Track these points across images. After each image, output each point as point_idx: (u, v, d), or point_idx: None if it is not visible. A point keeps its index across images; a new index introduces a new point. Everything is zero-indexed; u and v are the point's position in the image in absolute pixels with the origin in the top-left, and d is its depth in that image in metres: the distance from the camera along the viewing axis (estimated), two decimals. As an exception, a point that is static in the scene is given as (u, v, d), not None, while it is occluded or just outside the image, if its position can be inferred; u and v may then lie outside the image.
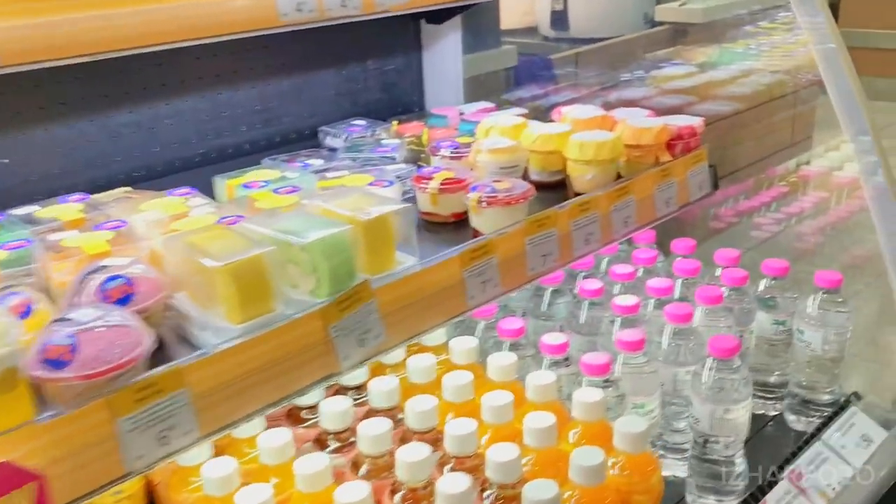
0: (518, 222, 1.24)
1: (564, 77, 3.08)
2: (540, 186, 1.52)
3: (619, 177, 1.48)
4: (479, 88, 2.79)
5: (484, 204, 1.26)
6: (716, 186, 1.60)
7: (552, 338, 1.46)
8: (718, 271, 1.67)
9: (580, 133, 1.46)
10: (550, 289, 1.69)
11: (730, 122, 2.40)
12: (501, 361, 1.35)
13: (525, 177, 1.51)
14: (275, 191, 1.25)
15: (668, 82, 2.40)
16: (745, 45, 2.81)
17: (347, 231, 1.04)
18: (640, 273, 1.69)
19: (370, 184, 1.29)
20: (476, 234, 1.30)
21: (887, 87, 5.50)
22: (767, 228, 2.24)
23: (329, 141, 1.77)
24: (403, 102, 2.09)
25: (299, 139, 1.85)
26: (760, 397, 1.72)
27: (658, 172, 1.48)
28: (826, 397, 1.65)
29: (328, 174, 1.34)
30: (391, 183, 1.29)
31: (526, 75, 2.99)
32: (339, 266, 1.03)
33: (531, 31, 3.66)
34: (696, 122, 1.55)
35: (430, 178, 1.36)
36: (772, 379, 1.71)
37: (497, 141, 1.45)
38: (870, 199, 1.73)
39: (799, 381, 1.67)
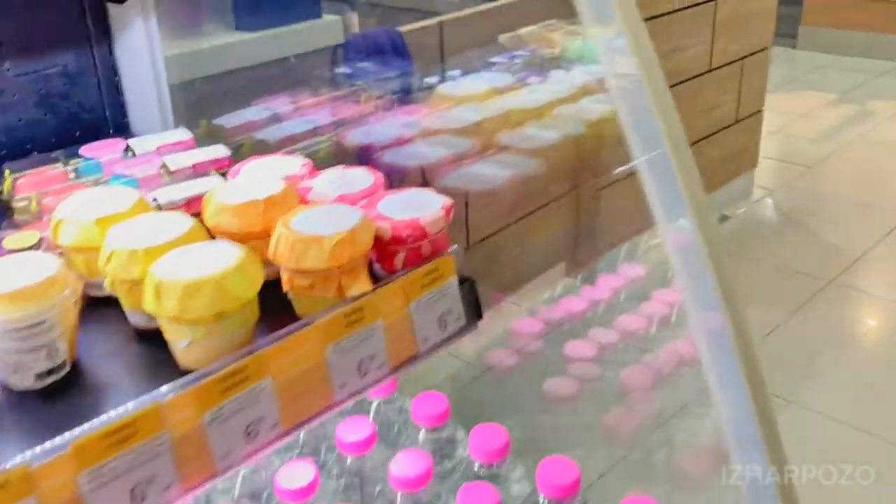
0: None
1: (418, 58, 2.36)
2: (145, 338, 0.85)
3: (268, 328, 0.80)
4: (283, 81, 2.08)
5: None
6: (478, 315, 0.92)
7: None
8: (476, 466, 0.99)
9: (170, 255, 0.77)
10: None
11: (522, 191, 1.54)
12: None
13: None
14: None
15: (454, 106, 1.64)
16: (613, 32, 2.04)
17: None
18: (348, 462, 1.01)
19: None
20: None
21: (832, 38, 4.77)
22: (581, 369, 1.44)
23: None
24: (86, 126, 1.38)
25: None
26: None
27: (340, 318, 0.79)
28: None
29: None
30: None
31: (358, 59, 2.27)
32: None
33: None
34: (434, 210, 0.86)
35: None
36: None
37: (23, 271, 0.76)
38: (672, 250, 0.91)
39: None
